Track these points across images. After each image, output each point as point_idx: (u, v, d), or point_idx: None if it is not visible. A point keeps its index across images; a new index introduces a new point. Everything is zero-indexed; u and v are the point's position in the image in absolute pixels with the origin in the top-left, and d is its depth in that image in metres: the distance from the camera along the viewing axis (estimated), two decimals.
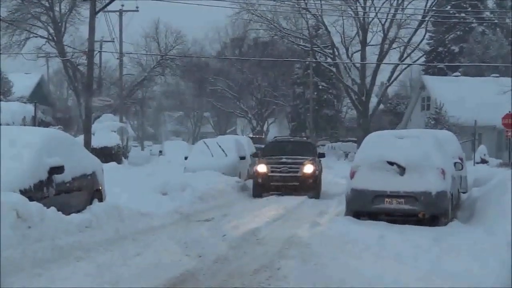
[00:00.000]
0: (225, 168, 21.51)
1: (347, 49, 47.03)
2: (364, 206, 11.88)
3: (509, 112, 27.21)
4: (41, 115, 33.02)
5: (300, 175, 19.24)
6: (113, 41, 41.45)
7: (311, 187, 19.20)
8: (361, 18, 44.97)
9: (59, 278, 7.25)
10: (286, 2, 45.72)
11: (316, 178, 19.38)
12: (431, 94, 43.04)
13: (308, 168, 19.32)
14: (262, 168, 19.52)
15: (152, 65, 52.27)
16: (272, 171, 19.38)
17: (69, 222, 9.39)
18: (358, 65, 46.52)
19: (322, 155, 21.50)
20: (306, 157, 19.85)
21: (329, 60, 48.36)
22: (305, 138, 23.18)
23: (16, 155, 9.42)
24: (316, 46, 48.91)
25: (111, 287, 6.96)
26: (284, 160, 19.68)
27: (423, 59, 52.22)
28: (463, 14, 50.53)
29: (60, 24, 41.26)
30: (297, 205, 16.72)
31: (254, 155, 22.20)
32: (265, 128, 64.08)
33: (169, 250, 8.92)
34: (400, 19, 44.89)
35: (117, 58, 43.33)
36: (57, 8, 41.42)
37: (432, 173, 11.63)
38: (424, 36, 48.75)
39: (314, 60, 50.69)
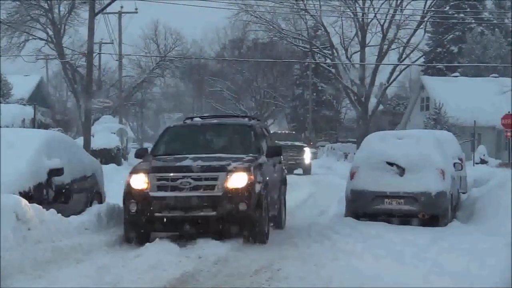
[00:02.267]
0: None
1: (346, 50, 47.05)
2: (364, 207, 11.89)
3: (509, 112, 27.23)
4: (41, 117, 32.99)
5: (220, 195, 9.69)
6: (112, 43, 41.49)
7: (245, 222, 9.81)
8: (360, 19, 45.01)
9: (59, 279, 7.25)
10: (285, 3, 45.77)
11: (258, 200, 9.83)
12: (430, 95, 43.04)
13: (238, 180, 9.76)
14: (137, 181, 9.93)
15: (152, 67, 52.22)
16: (159, 188, 9.83)
17: (68, 224, 9.39)
18: (357, 65, 46.54)
19: (276, 151, 11.56)
20: (237, 156, 10.45)
21: (328, 61, 48.39)
22: (246, 120, 12.78)
23: (15, 157, 9.42)
24: (315, 47, 48.94)
25: None
26: (188, 162, 10.14)
27: (422, 59, 52.26)
28: (462, 15, 50.56)
29: (59, 26, 41.17)
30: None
31: (138, 155, 11.46)
32: None
33: (169, 251, 8.91)
34: (399, 20, 44.94)
35: (116, 60, 43.33)
36: (56, 10, 41.33)
37: (432, 173, 11.64)
38: (423, 36, 48.81)
39: (313, 61, 50.71)
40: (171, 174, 9.90)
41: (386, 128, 41.82)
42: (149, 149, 11.67)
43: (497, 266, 7.53)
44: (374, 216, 11.83)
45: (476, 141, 34.20)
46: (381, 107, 53.36)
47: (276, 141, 31.48)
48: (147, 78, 52.09)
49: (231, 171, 9.78)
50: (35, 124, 28.15)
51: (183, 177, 9.75)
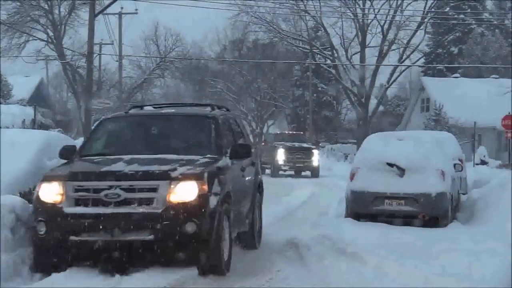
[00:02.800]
0: None
1: (346, 51, 47.07)
2: (364, 208, 11.88)
3: (509, 113, 27.23)
4: (41, 118, 33.07)
5: (160, 212, 7.32)
6: (113, 44, 41.55)
7: (195, 248, 7.43)
8: (360, 20, 45.05)
9: (58, 281, 7.24)
10: (285, 4, 45.85)
11: (212, 218, 7.45)
12: (430, 96, 43.07)
13: (185, 191, 7.41)
14: (48, 192, 7.59)
15: (152, 67, 52.31)
16: (77, 202, 7.48)
17: None
18: (357, 66, 46.57)
19: (244, 151, 8.81)
20: (189, 158, 8.06)
21: (328, 61, 48.41)
22: (208, 109, 9.76)
23: (15, 157, 9.43)
24: (315, 47, 48.97)
25: None
26: (119, 167, 7.74)
27: (422, 60, 52.29)
28: (462, 16, 50.59)
29: (59, 27, 41.24)
30: None
31: (63, 154, 8.73)
32: (264, 129, 64.15)
33: None
34: (399, 21, 44.98)
35: (117, 61, 43.43)
36: (56, 11, 41.41)
37: (432, 174, 11.64)
38: (423, 37, 48.83)
39: (314, 62, 50.74)
40: (94, 183, 7.43)
41: (386, 129, 41.82)
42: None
43: (498, 266, 7.53)
44: (374, 217, 11.83)
45: (476, 142, 34.18)
46: (381, 108, 53.39)
47: (283, 143, 30.57)
48: (147, 79, 52.15)
49: (176, 179, 7.33)
50: (35, 124, 28.19)
51: (110, 187, 7.30)
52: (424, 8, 45.13)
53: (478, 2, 53.26)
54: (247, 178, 9.50)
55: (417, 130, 29.36)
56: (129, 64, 54.18)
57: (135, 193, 7.34)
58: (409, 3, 44.97)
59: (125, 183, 7.35)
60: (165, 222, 7.20)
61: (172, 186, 7.30)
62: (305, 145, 31.24)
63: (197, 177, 7.41)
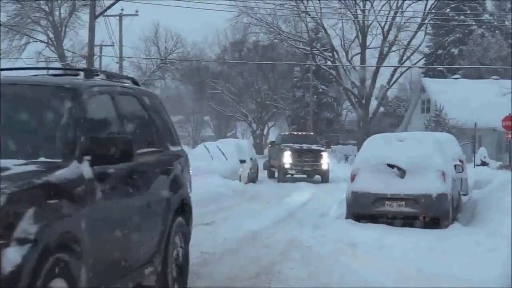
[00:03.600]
0: (225, 171, 21.55)
1: (346, 52, 47.21)
2: (365, 209, 11.89)
3: (509, 114, 27.24)
4: None
5: None
6: (113, 45, 41.53)
7: None
8: (361, 21, 45.09)
9: None
10: (285, 6, 45.93)
11: None
12: (431, 97, 43.08)
13: None
14: None
15: (152, 69, 52.38)
16: None
17: None
18: (358, 68, 46.61)
19: (112, 151, 4.67)
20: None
21: (329, 63, 48.45)
22: (79, 77, 5.42)
23: None
24: (315, 49, 49.02)
25: None
26: None
27: (422, 61, 52.35)
28: (462, 17, 50.66)
29: (60, 29, 41.30)
30: None
31: None
32: (265, 131, 64.17)
33: None
34: (400, 22, 45.03)
35: (117, 62, 43.40)
36: (56, 13, 41.48)
37: (433, 175, 11.64)
38: (424, 38, 48.93)
39: (314, 63, 50.80)
40: None
41: (387, 130, 41.79)
42: None
43: (498, 267, 7.54)
44: (375, 218, 11.84)
45: (476, 143, 34.19)
46: (381, 109, 53.43)
47: (291, 144, 27.88)
48: (148, 80, 52.19)
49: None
50: None
51: None
52: (425, 9, 45.22)
53: (478, 3, 53.31)
54: (145, 197, 5.70)
55: (417, 131, 29.36)
56: (130, 66, 54.30)
57: None
58: (410, 4, 45.13)
59: None
60: None
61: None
62: (313, 147, 28.92)
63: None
